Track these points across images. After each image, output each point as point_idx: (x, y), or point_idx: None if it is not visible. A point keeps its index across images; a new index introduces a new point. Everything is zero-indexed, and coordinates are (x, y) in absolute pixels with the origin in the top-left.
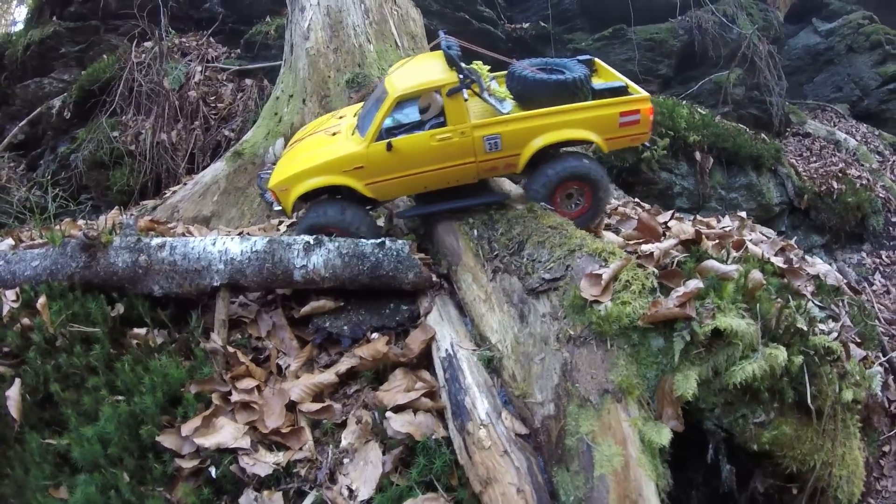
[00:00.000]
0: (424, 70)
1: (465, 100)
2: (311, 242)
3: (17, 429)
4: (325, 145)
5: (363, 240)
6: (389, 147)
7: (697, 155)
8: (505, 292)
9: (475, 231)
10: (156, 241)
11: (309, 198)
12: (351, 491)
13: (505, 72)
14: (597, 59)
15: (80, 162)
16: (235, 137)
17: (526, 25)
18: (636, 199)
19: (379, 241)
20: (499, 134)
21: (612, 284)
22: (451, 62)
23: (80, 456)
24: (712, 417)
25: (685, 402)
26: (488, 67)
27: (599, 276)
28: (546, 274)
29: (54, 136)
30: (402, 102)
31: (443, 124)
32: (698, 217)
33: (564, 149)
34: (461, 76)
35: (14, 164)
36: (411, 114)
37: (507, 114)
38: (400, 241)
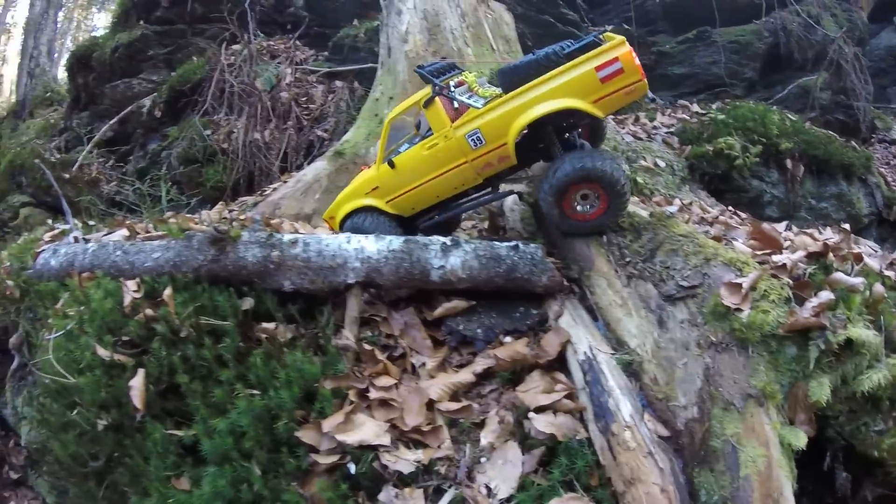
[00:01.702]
0: (414, 96)
1: (457, 107)
2: (449, 243)
3: (139, 419)
4: (360, 176)
5: (496, 242)
6: (392, 165)
7: (788, 163)
8: (641, 298)
9: (605, 237)
10: (288, 237)
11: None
12: (489, 489)
13: None
14: (607, 33)
15: (173, 158)
16: (329, 137)
17: (609, 28)
18: (731, 208)
19: (512, 244)
20: (477, 128)
21: (751, 293)
22: (424, 78)
23: (210, 448)
24: (836, 425)
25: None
26: (475, 74)
27: (739, 285)
28: (683, 281)
29: (144, 133)
30: (399, 122)
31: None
32: (795, 228)
33: (579, 140)
34: (433, 87)
35: (103, 159)
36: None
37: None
38: (532, 245)
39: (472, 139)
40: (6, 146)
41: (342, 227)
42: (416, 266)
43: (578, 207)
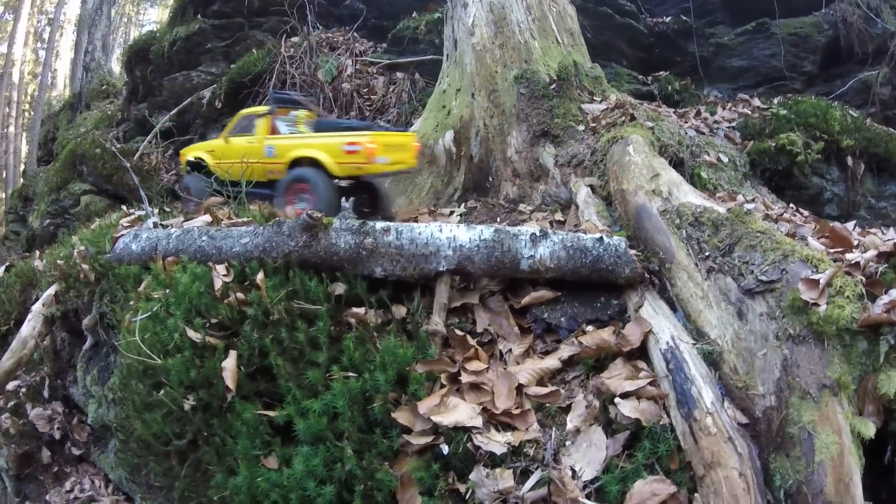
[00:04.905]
0: (260, 108)
1: (298, 125)
2: (538, 234)
3: (229, 399)
4: (215, 140)
5: (582, 234)
6: (227, 141)
7: (849, 160)
8: (721, 291)
9: (684, 231)
10: (380, 224)
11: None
12: (575, 471)
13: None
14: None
15: None
16: (392, 128)
17: (667, 20)
18: (792, 205)
19: (597, 236)
20: (273, 145)
21: (827, 289)
22: (269, 100)
23: (305, 428)
24: None
25: (886, 400)
26: (306, 113)
27: (816, 281)
28: (762, 276)
29: (203, 124)
30: (247, 117)
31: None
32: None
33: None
34: (269, 108)
35: (162, 149)
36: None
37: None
38: (616, 238)
39: (268, 149)
40: (65, 136)
41: (188, 164)
42: (506, 255)
43: (298, 203)
